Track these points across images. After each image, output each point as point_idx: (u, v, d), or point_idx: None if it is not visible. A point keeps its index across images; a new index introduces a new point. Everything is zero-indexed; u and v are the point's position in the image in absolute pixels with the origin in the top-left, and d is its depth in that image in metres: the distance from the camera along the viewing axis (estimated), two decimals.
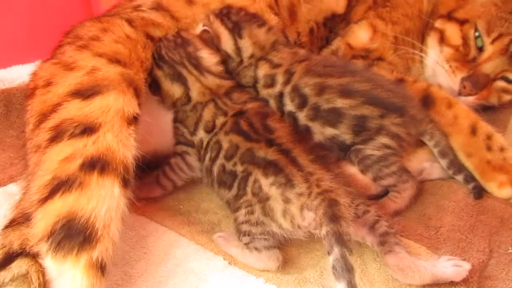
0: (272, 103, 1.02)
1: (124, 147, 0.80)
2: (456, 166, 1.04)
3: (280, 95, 1.01)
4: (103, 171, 0.77)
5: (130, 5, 1.17)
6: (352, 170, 0.99)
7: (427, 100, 1.12)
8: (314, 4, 1.33)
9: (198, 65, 0.99)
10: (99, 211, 0.73)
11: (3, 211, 0.96)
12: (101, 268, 0.71)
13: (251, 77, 1.05)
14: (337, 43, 1.35)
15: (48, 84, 0.91)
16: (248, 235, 0.84)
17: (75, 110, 0.84)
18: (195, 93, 0.99)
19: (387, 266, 0.80)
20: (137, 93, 0.89)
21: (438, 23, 1.28)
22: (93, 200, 0.74)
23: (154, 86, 1.01)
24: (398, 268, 0.79)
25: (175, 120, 1.01)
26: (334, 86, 0.97)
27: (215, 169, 0.91)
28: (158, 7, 1.15)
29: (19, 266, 0.73)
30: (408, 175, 0.99)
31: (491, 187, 1.03)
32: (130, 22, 1.06)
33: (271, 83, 1.03)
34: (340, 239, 0.70)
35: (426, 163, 1.08)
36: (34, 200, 0.77)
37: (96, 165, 0.77)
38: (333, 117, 0.96)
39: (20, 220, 0.82)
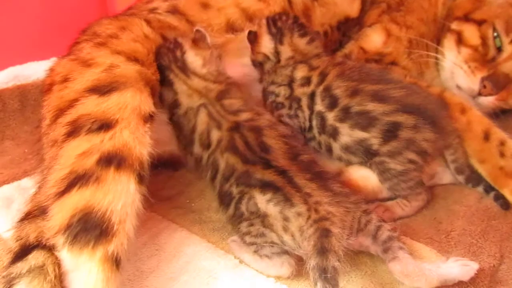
0: (304, 102, 1.06)
1: (140, 144, 0.83)
2: (474, 180, 1.06)
3: (312, 94, 1.05)
4: (119, 167, 0.79)
5: (146, 7, 1.20)
6: (360, 173, 1.01)
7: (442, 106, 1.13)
8: (328, 8, 1.36)
9: (183, 68, 1.02)
10: (115, 206, 0.76)
11: (18, 205, 0.99)
12: (116, 262, 0.74)
13: (286, 76, 1.10)
14: (350, 47, 1.37)
15: (66, 80, 0.94)
16: (254, 244, 0.86)
17: (92, 106, 0.87)
18: (184, 96, 1.00)
19: (393, 273, 0.81)
20: (153, 92, 0.92)
21: (455, 25, 1.29)
22: (110, 195, 0.76)
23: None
24: (404, 274, 0.80)
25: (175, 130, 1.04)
26: (367, 90, 1.00)
27: (217, 185, 0.93)
28: (174, 11, 1.18)
29: (35, 258, 0.76)
30: (423, 188, 1.01)
31: (504, 193, 1.04)
32: (148, 22, 1.09)
33: (306, 83, 1.07)
34: (324, 276, 0.72)
35: (438, 168, 1.09)
36: (51, 194, 0.79)
37: (113, 160, 0.79)
38: (364, 120, 0.98)
39: (36, 213, 0.85)
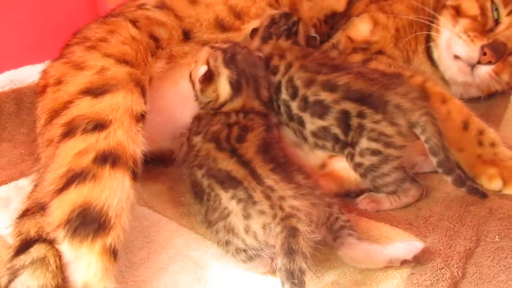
0: (272, 90, 1.14)
1: (133, 142, 0.91)
2: (446, 166, 1.01)
3: (279, 84, 1.13)
4: (114, 165, 0.87)
5: (135, 4, 1.27)
6: (342, 164, 1.10)
7: (422, 95, 1.22)
8: (315, 2, 1.43)
9: (257, 90, 1.11)
10: (111, 201, 0.84)
11: (15, 204, 1.06)
12: (113, 253, 0.82)
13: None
14: (338, 37, 1.45)
15: (59, 82, 1.02)
16: (227, 252, 0.90)
17: (86, 107, 0.94)
18: (232, 106, 1.07)
19: (342, 259, 0.88)
20: (143, 92, 1.00)
21: (451, 1, 1.38)
22: (106, 191, 0.84)
23: (208, 76, 1.08)
24: (352, 259, 0.88)
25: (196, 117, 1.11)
26: (320, 80, 1.08)
27: (194, 174, 0.98)
28: (162, 6, 1.25)
29: (37, 250, 0.84)
30: (412, 183, 1.06)
31: (482, 180, 1.13)
32: (134, 22, 1.16)
33: (274, 72, 1.15)
34: (292, 278, 0.74)
35: (420, 157, 1.17)
36: (50, 191, 0.87)
37: (108, 159, 0.87)
38: (318, 109, 1.06)
39: (34, 210, 0.93)
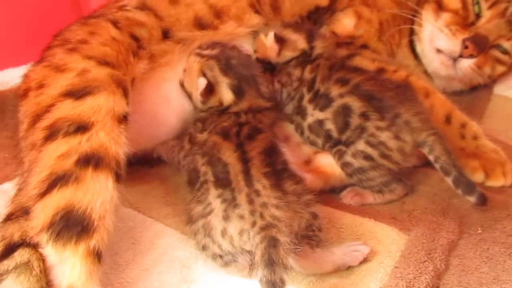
0: (305, 86, 1.16)
1: (116, 144, 0.91)
2: (463, 184, 1.00)
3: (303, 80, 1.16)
4: (97, 167, 0.88)
5: (116, 5, 1.27)
6: (327, 160, 1.11)
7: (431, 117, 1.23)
8: None
9: (258, 89, 1.11)
10: (94, 204, 0.84)
11: (0, 208, 1.06)
12: (97, 255, 0.83)
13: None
14: (322, 32, 1.46)
15: (41, 86, 1.02)
16: (207, 256, 0.91)
17: (68, 109, 0.95)
18: (238, 107, 1.07)
19: (292, 265, 0.87)
20: (125, 93, 1.00)
21: None
22: (89, 193, 0.85)
23: (209, 89, 1.08)
24: (300, 266, 0.88)
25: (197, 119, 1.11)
26: (335, 77, 1.10)
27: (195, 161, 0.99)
28: (143, 7, 1.25)
29: (21, 255, 0.85)
30: (397, 184, 1.08)
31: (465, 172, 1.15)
32: (115, 23, 1.17)
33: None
34: None
35: None
36: (33, 195, 0.88)
37: (91, 161, 0.88)
38: (323, 100, 1.08)
39: (18, 214, 0.94)
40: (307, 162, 1.16)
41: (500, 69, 1.44)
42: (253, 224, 0.83)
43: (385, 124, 1.02)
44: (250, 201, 0.85)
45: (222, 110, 1.07)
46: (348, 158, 1.05)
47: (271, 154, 0.95)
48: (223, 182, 0.90)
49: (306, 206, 0.90)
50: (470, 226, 1.02)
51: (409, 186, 1.11)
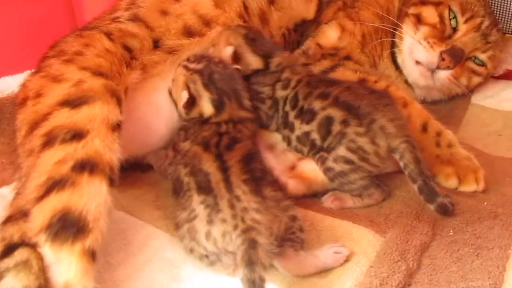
0: (281, 104, 1.24)
1: (110, 151, 0.98)
2: (426, 192, 1.05)
3: (286, 98, 1.23)
4: (92, 172, 0.94)
5: (109, 17, 1.34)
6: (310, 167, 1.18)
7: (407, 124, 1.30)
8: (284, 12, 1.52)
9: (240, 103, 1.17)
10: (90, 206, 0.90)
11: None
12: (92, 255, 0.89)
13: (274, 78, 1.26)
14: (308, 43, 1.54)
15: (38, 95, 1.08)
16: (194, 258, 0.96)
17: (64, 118, 1.01)
18: (219, 118, 1.13)
19: (277, 267, 0.95)
20: (119, 102, 1.07)
21: (412, 10, 1.50)
22: (85, 197, 0.91)
23: (190, 102, 1.14)
24: (284, 268, 0.94)
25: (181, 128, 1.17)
26: (316, 93, 1.18)
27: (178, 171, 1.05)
28: (135, 18, 1.32)
29: (20, 254, 0.90)
30: (375, 189, 1.15)
31: (440, 178, 1.22)
32: (108, 35, 1.23)
33: (286, 86, 1.24)
34: (253, 287, 0.82)
35: None
36: (31, 198, 0.94)
37: (86, 166, 0.94)
38: (308, 115, 1.16)
39: (17, 216, 0.99)
40: (292, 168, 1.23)
41: (476, 80, 1.53)
42: (235, 227, 0.89)
43: (363, 129, 1.09)
44: (232, 206, 0.91)
45: (203, 121, 1.14)
46: (330, 163, 1.13)
47: (249, 162, 1.01)
48: (205, 189, 0.96)
49: (285, 211, 0.96)
50: (443, 229, 1.09)
51: (387, 192, 1.18)
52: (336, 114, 1.12)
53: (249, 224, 0.88)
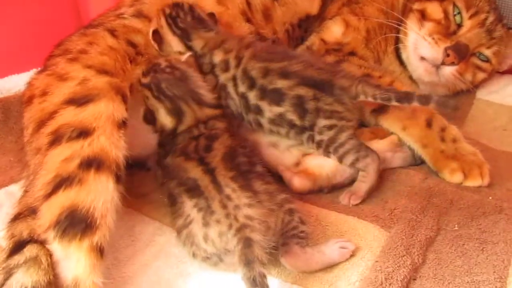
0: (230, 88, 1.21)
1: (116, 148, 1.00)
2: (404, 97, 1.11)
3: (234, 78, 1.21)
4: (99, 169, 0.96)
5: (114, 14, 1.36)
6: (315, 162, 1.19)
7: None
8: (288, 7, 1.53)
9: (199, 100, 1.13)
10: (97, 203, 0.92)
11: (6, 208, 1.14)
12: (100, 251, 0.91)
13: (208, 64, 1.25)
14: (312, 39, 1.55)
15: (44, 93, 1.10)
16: (199, 260, 0.97)
17: (70, 116, 1.03)
18: (184, 126, 1.12)
19: (284, 265, 0.95)
20: (124, 99, 1.09)
21: (417, 5, 1.49)
22: (92, 194, 0.93)
23: (150, 117, 1.14)
24: (291, 265, 0.95)
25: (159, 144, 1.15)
26: (275, 69, 1.17)
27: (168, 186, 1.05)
28: (139, 15, 1.34)
29: (30, 250, 0.93)
30: (367, 150, 1.15)
31: (445, 173, 1.23)
32: (112, 32, 1.25)
33: (226, 68, 1.23)
34: (254, 285, 0.82)
35: (388, 153, 1.27)
36: (39, 196, 0.96)
37: (93, 164, 0.96)
38: (276, 96, 1.16)
39: (26, 213, 1.02)
40: (297, 164, 1.24)
41: (481, 75, 1.53)
42: (230, 226, 0.90)
43: (331, 99, 1.14)
44: (224, 206, 0.92)
45: (173, 135, 1.12)
46: (317, 137, 1.15)
47: (233, 158, 1.02)
48: (195, 193, 0.97)
49: (281, 205, 0.97)
50: (448, 223, 1.10)
51: (376, 152, 1.16)
52: (305, 92, 1.15)
53: (243, 222, 0.89)
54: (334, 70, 1.20)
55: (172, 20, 1.28)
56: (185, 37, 1.27)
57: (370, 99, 1.13)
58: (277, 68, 1.18)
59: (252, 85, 1.19)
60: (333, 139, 1.14)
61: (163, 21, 1.28)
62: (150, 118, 1.13)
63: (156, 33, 1.27)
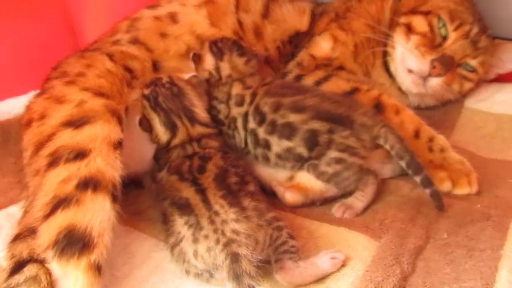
0: (239, 122, 1.25)
1: (112, 168, 1.03)
2: (413, 167, 1.13)
3: (246, 114, 1.25)
4: (95, 189, 0.99)
5: (110, 40, 1.40)
6: (307, 176, 1.21)
7: (378, 108, 1.35)
8: (278, 25, 1.57)
9: (192, 118, 1.19)
10: (94, 223, 0.95)
11: (6, 229, 1.17)
12: (98, 269, 0.93)
13: (225, 93, 1.29)
14: (301, 55, 1.57)
15: (42, 117, 1.14)
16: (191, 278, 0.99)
17: (68, 138, 1.06)
18: (177, 140, 1.17)
19: (279, 281, 0.96)
20: (119, 121, 1.12)
21: (403, 19, 1.52)
22: (89, 213, 0.96)
23: (146, 124, 1.20)
24: (286, 281, 0.96)
25: (154, 157, 1.21)
26: (287, 103, 1.20)
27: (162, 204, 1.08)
28: (135, 41, 1.39)
29: (30, 270, 0.95)
30: (368, 174, 1.17)
31: (434, 183, 1.25)
32: (110, 56, 1.29)
33: (240, 102, 1.27)
34: None
35: (377, 164, 1.29)
36: (39, 217, 0.99)
37: (90, 184, 0.99)
38: (287, 130, 1.18)
39: (25, 234, 1.04)
40: (290, 178, 1.26)
41: (468, 85, 1.56)
42: (217, 241, 0.92)
43: (348, 132, 1.15)
44: (212, 222, 0.94)
45: (166, 146, 1.18)
46: (322, 168, 1.17)
47: (224, 179, 1.05)
48: (186, 211, 0.99)
49: (270, 223, 0.99)
50: (437, 232, 1.11)
51: (375, 172, 1.19)
52: (320, 126, 1.16)
53: (229, 237, 0.91)
54: (354, 105, 1.21)
55: (213, 42, 1.36)
56: (218, 55, 1.33)
57: (387, 146, 1.15)
58: (289, 102, 1.20)
59: (262, 120, 1.21)
60: (337, 174, 1.16)
61: (206, 44, 1.36)
62: (145, 125, 1.20)
63: (195, 55, 1.35)
